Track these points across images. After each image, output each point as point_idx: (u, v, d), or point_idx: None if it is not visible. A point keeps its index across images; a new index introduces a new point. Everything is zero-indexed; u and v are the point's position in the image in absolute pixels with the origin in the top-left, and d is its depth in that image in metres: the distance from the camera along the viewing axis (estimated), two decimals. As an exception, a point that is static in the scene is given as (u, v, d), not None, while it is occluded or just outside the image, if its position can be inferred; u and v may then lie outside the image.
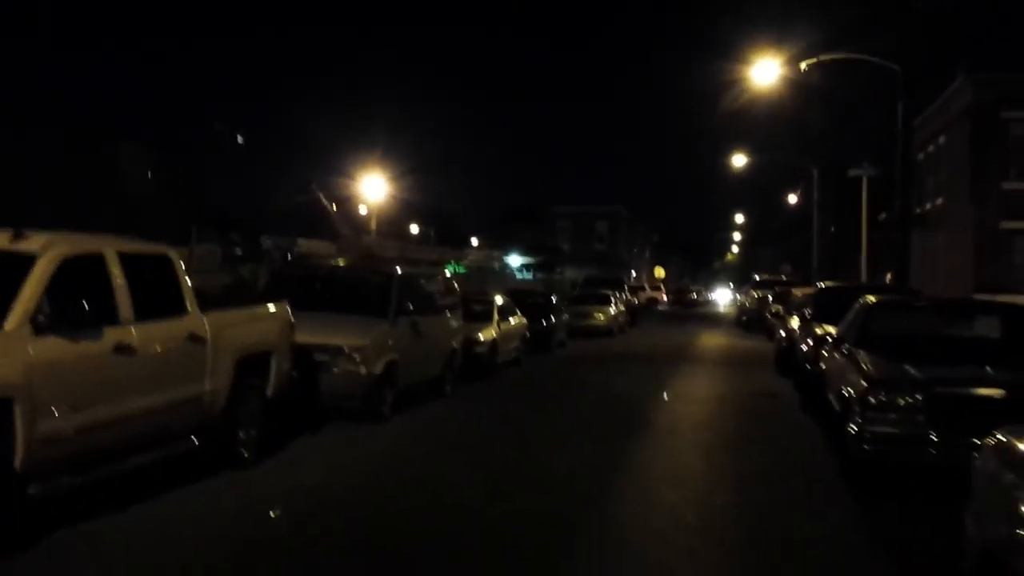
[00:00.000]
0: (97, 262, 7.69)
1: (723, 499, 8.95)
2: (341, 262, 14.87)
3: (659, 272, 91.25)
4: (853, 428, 8.51)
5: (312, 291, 13.41)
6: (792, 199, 58.04)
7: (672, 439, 12.40)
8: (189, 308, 8.68)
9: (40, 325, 6.82)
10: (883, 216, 29.32)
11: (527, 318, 24.26)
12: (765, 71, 27.44)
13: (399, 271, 14.05)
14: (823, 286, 18.70)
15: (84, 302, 7.09)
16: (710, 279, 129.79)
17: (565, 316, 29.25)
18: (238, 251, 27.97)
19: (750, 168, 54.10)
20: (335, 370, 12.10)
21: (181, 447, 8.67)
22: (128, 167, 30.10)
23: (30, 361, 6.64)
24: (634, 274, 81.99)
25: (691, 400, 16.26)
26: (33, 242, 7.31)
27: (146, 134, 28.43)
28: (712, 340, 33.73)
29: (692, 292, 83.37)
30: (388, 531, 7.62)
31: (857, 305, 11.27)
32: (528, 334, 22.83)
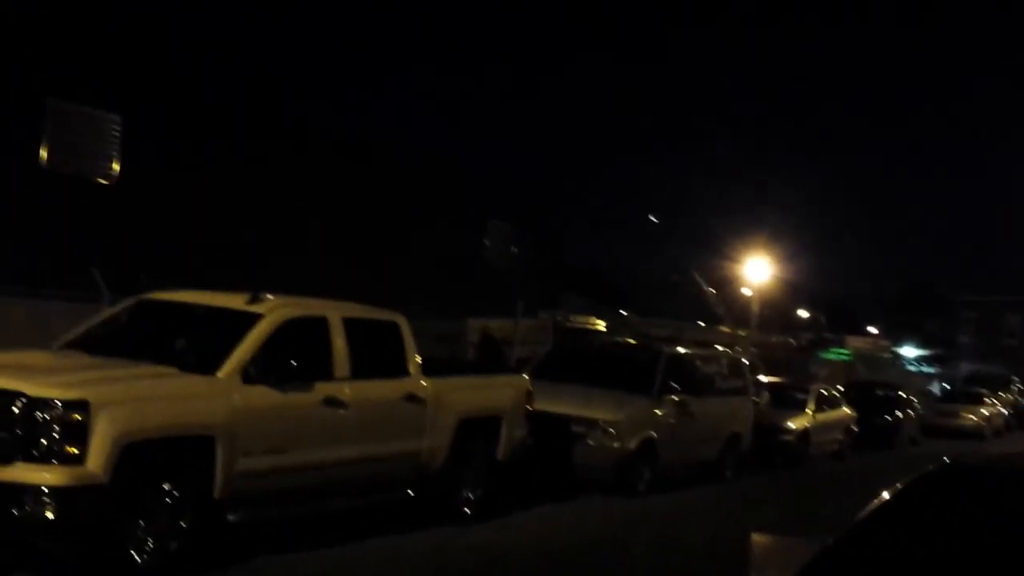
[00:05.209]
0: (320, 324, 8.77)
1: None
2: (628, 340, 15.29)
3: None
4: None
5: (582, 365, 13.95)
6: None
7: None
8: (411, 370, 9.55)
9: (250, 375, 7.94)
10: None
11: (871, 411, 23.09)
12: None
13: (669, 349, 14.19)
14: None
15: (294, 359, 8.14)
16: None
17: (919, 411, 27.27)
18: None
19: None
20: (589, 442, 12.48)
21: (394, 497, 9.49)
22: (495, 241, 32.40)
23: (235, 406, 7.75)
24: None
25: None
26: (264, 304, 8.54)
27: (515, 206, 30.66)
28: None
29: None
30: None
31: None
32: (855, 427, 21.64)
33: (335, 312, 8.99)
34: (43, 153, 17.42)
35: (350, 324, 8.99)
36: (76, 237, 16.66)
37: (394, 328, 9.61)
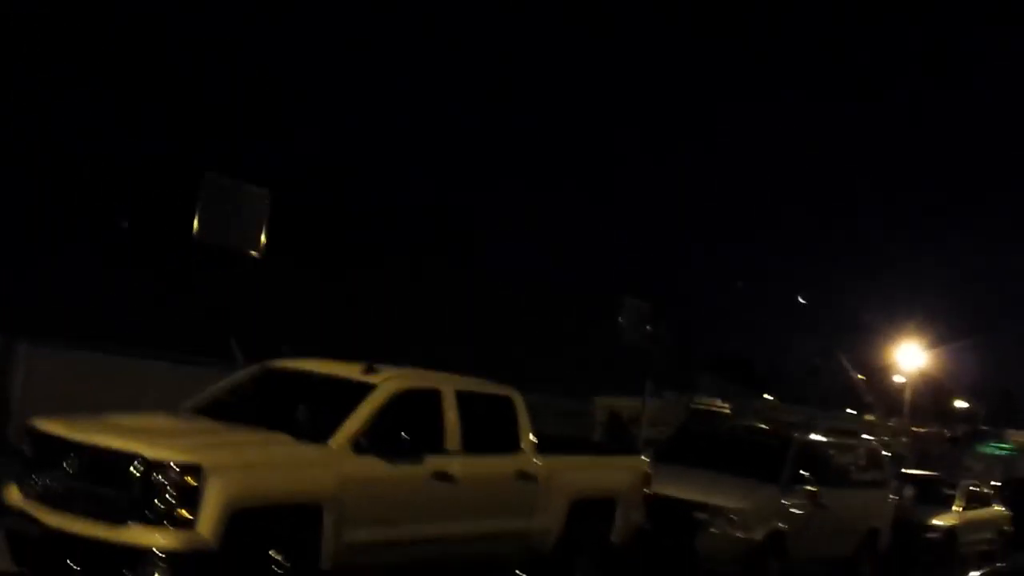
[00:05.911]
0: (432, 397, 8.78)
1: None
2: (759, 424, 14.76)
3: None
4: None
5: (709, 449, 13.54)
6: None
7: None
8: (523, 447, 9.44)
9: (361, 445, 7.98)
10: None
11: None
12: None
13: (800, 436, 13.63)
14: None
15: (405, 430, 8.14)
16: None
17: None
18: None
19: None
20: (713, 531, 12.02)
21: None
22: (629, 320, 32.10)
23: (345, 476, 7.78)
24: None
25: None
26: (378, 375, 8.62)
27: (652, 284, 30.41)
28: None
29: None
30: None
31: None
32: (1009, 527, 20.23)
33: (448, 385, 8.99)
34: (196, 225, 18.28)
35: (463, 397, 8.96)
36: (222, 306, 17.38)
37: (507, 402, 9.53)
